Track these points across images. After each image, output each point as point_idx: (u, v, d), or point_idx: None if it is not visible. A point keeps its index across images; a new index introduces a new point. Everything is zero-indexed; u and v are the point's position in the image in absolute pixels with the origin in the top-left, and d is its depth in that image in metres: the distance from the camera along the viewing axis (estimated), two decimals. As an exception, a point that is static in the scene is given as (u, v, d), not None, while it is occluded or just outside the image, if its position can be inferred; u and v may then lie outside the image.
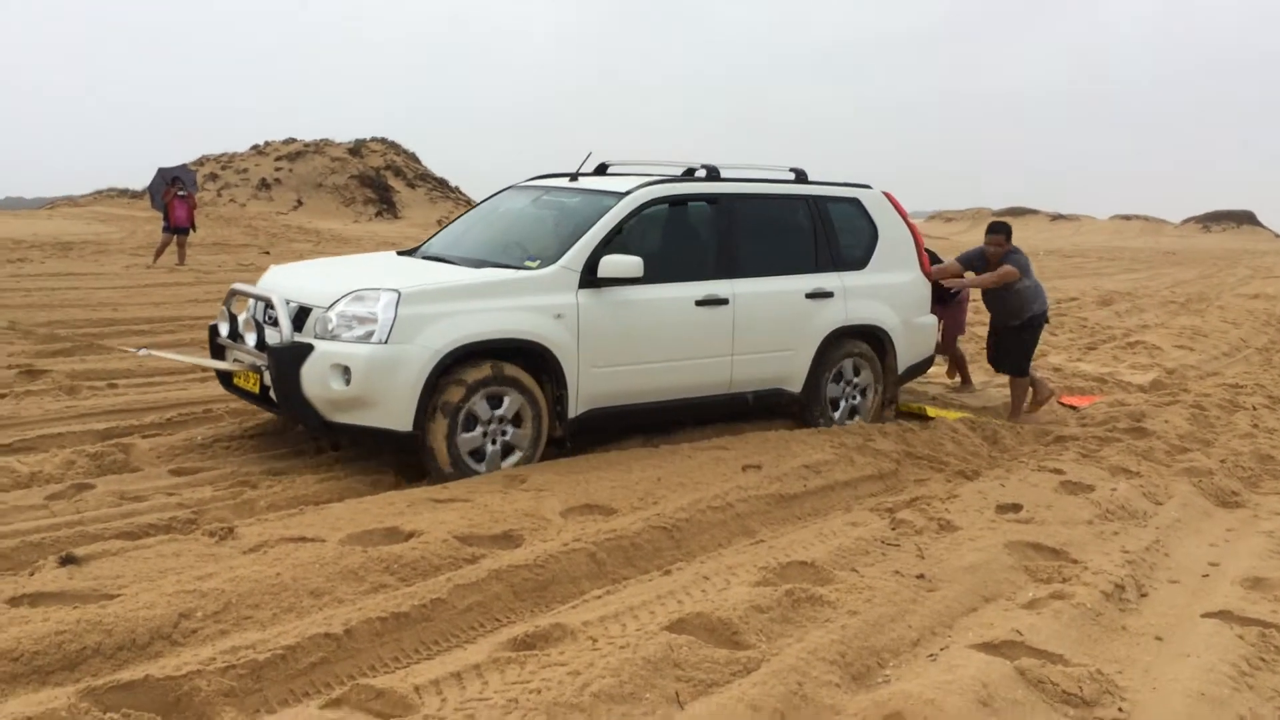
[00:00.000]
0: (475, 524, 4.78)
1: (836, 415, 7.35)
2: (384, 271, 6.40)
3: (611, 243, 6.21)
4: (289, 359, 5.54)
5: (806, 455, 6.27)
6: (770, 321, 6.90)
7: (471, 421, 5.71)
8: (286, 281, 6.28)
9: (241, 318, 6.16)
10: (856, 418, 7.43)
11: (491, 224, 7.24)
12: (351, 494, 5.36)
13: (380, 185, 44.93)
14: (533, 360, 5.91)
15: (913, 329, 7.72)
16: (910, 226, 7.84)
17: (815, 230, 7.29)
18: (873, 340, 7.49)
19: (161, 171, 23.26)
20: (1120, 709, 3.45)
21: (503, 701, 3.13)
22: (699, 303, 6.54)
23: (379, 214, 41.86)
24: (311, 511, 4.97)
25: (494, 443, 5.83)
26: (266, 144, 46.23)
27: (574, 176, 7.26)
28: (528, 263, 6.18)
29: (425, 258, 6.89)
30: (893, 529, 5.08)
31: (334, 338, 5.55)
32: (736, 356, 6.74)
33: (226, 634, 3.62)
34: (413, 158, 49.83)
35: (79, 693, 3.09)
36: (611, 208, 6.37)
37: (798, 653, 3.57)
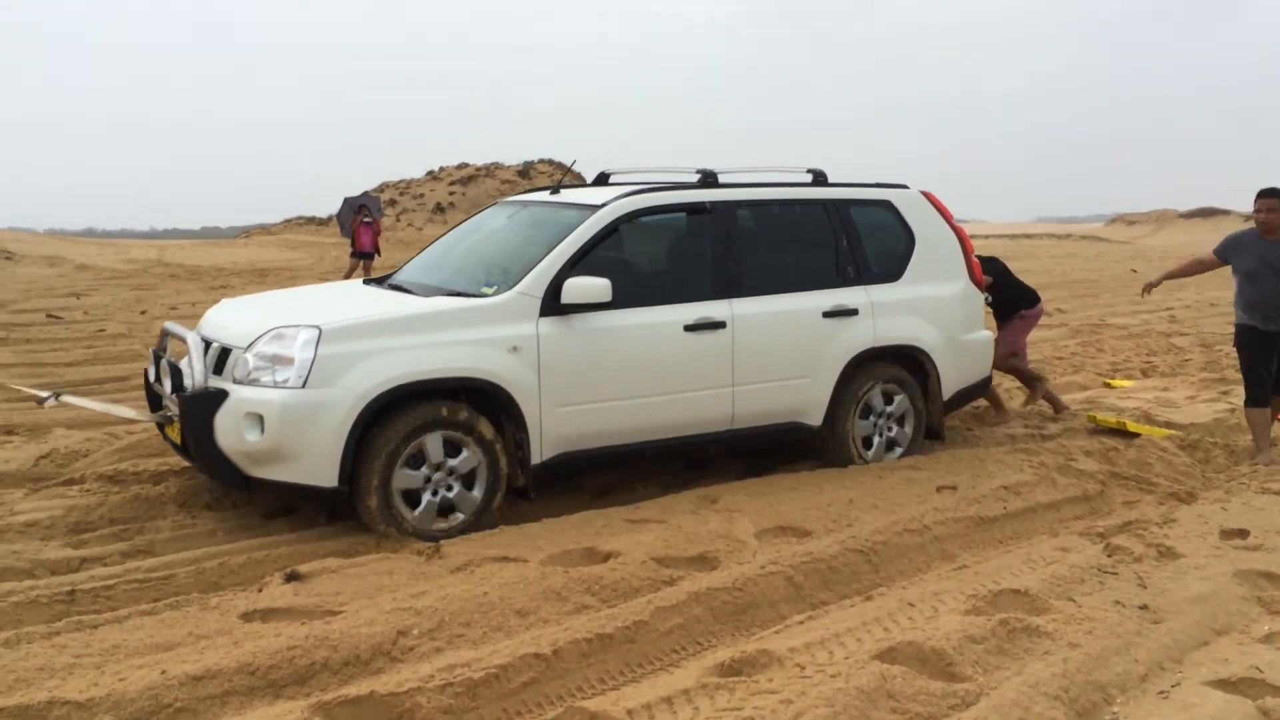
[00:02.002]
0: (671, 545, 4.79)
1: (870, 453, 6.46)
2: (319, 306, 5.79)
3: (580, 262, 5.50)
4: (200, 407, 4.95)
5: (1004, 476, 6.03)
6: (778, 346, 6.06)
7: (418, 461, 5.09)
8: (219, 318, 5.76)
9: (163, 361, 5.52)
10: (897, 450, 6.57)
11: (464, 245, 6.57)
12: (548, 513, 5.40)
13: (548, 206, 46.03)
14: (486, 400, 5.24)
15: (960, 347, 6.74)
16: (956, 230, 6.88)
17: (835, 239, 6.41)
18: (910, 363, 6.61)
19: (348, 200, 24.48)
20: (1383, 758, 3.16)
21: (716, 729, 3.11)
22: (689, 328, 5.75)
23: (548, 234, 42.80)
24: (511, 530, 5.07)
25: (435, 494, 5.15)
26: (441, 169, 48.03)
27: (555, 189, 6.58)
28: (484, 289, 5.53)
29: (391, 286, 6.19)
30: (1108, 555, 4.80)
31: (252, 382, 4.96)
32: (739, 387, 5.93)
33: (441, 651, 3.73)
34: (579, 176, 50.88)
35: (310, 707, 3.23)
36: (581, 223, 5.65)
37: (1017, 686, 3.41)
